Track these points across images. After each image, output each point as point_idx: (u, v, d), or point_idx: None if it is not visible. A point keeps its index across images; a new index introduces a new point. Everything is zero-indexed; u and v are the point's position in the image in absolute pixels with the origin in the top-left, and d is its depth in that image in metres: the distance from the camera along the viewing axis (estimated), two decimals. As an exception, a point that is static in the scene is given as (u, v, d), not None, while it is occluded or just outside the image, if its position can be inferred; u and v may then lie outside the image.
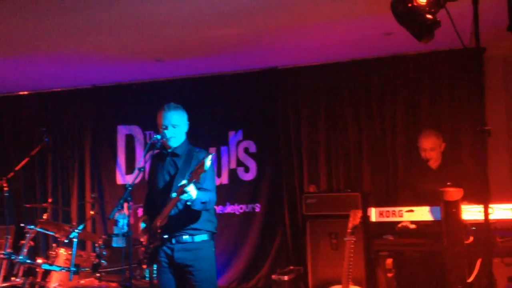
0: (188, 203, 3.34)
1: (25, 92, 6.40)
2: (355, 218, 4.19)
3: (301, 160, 5.48)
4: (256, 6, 3.87)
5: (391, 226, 4.19)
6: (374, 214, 4.11)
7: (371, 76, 5.32)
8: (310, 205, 4.92)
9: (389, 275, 4.31)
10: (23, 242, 4.67)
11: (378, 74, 5.30)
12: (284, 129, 5.56)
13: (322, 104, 5.45)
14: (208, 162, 3.18)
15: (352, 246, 4.11)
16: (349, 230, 4.16)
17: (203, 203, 3.43)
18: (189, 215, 3.50)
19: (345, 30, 4.45)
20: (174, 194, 3.38)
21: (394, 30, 4.20)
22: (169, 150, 3.63)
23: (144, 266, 3.85)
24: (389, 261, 4.28)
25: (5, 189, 4.70)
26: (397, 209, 4.01)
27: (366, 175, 5.25)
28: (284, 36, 4.58)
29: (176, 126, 3.57)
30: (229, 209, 5.61)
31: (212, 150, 5.68)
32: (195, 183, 3.31)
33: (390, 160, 5.21)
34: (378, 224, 4.28)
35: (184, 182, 3.25)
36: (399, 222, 4.04)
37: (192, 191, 3.28)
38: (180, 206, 3.49)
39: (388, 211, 4.04)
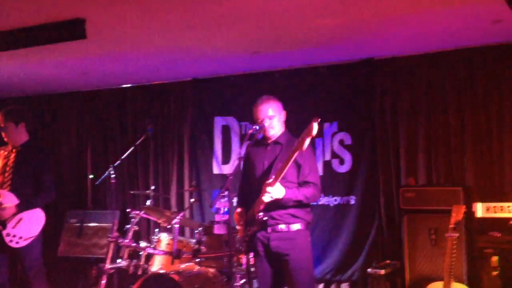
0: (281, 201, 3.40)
1: (129, 85, 6.73)
2: (458, 214, 4.06)
3: (398, 152, 5.34)
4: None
5: (496, 223, 4.01)
6: (480, 209, 3.96)
7: (475, 65, 5.06)
8: (408, 198, 4.80)
9: (494, 273, 4.13)
10: (128, 226, 4.93)
11: (483, 63, 5.02)
12: (380, 121, 5.44)
13: (421, 95, 5.26)
14: (315, 126, 3.18)
15: (455, 242, 3.99)
16: (451, 226, 4.04)
17: (296, 201, 3.46)
18: (289, 207, 3.55)
19: (449, 18, 4.27)
20: (270, 180, 3.44)
21: (504, 17, 4.00)
22: (270, 140, 3.70)
23: (241, 256, 3.96)
24: (494, 259, 4.11)
25: (112, 176, 4.98)
26: (505, 204, 3.83)
27: (469, 169, 5.00)
28: (382, 25, 4.46)
29: (272, 117, 3.65)
30: (324, 200, 5.58)
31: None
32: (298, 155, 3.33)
33: (495, 154, 4.93)
34: (482, 220, 4.10)
35: (269, 180, 3.28)
36: (508, 219, 3.84)
37: (275, 191, 3.33)
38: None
39: (495, 206, 3.88)
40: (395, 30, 4.58)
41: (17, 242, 4.23)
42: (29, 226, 4.28)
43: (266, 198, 3.37)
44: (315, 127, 3.20)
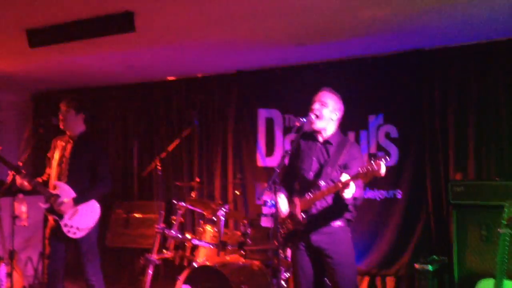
0: (344, 197, 3.30)
1: (173, 78, 6.79)
2: (510, 209, 3.93)
3: (447, 145, 5.20)
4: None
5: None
6: (535, 205, 3.82)
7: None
8: (457, 193, 4.69)
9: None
10: (173, 217, 4.98)
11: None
12: (428, 113, 5.31)
13: (473, 86, 5.10)
14: (384, 167, 3.07)
15: (508, 238, 3.87)
16: (504, 222, 3.92)
17: (354, 199, 3.41)
18: (331, 205, 3.51)
19: (506, 6, 4.11)
20: (322, 182, 3.39)
21: None
22: (322, 138, 3.65)
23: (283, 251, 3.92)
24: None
25: (158, 167, 5.03)
26: None
27: (522, 163, 4.86)
28: (435, 14, 4.31)
29: (324, 104, 3.58)
30: (369, 194, 5.51)
31: (351, 134, 5.62)
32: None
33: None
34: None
35: (346, 177, 3.22)
36: None
37: (352, 189, 3.23)
38: (329, 199, 3.49)
39: (553, 202, 3.73)
40: (446, 19, 4.44)
41: (74, 233, 4.33)
42: (85, 217, 4.37)
43: (347, 194, 3.25)
44: (383, 166, 3.05)
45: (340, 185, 3.23)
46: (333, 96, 3.65)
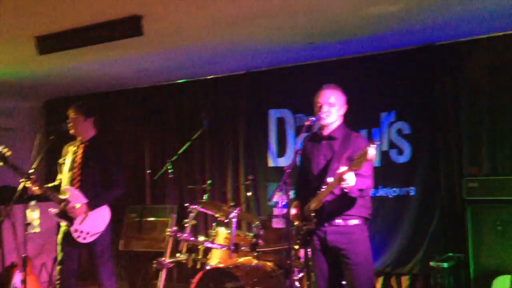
0: (345, 190, 3.29)
1: (183, 80, 6.79)
2: (527, 204, 3.87)
3: (460, 141, 5.14)
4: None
5: None
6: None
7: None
8: (471, 189, 4.65)
9: None
10: (186, 220, 4.96)
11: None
12: (441, 109, 5.25)
13: (486, 81, 5.03)
14: (372, 151, 3.02)
15: (524, 234, 3.81)
16: (520, 217, 3.86)
17: (360, 190, 3.35)
18: (343, 201, 3.45)
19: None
20: (330, 179, 3.36)
21: None
22: (325, 134, 3.62)
23: (298, 248, 3.90)
24: None
25: (170, 171, 5.02)
26: None
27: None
28: (443, 7, 4.25)
29: (332, 105, 3.56)
30: (382, 192, 5.47)
31: (363, 132, 5.57)
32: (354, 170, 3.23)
33: None
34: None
35: (343, 168, 3.19)
36: None
37: (351, 178, 3.18)
38: (336, 192, 3.46)
39: None
40: (456, 12, 4.37)
41: (84, 238, 4.33)
42: (95, 222, 4.36)
43: (349, 183, 3.19)
44: (370, 151, 3.00)
45: (337, 176, 3.19)
46: (337, 92, 3.62)
